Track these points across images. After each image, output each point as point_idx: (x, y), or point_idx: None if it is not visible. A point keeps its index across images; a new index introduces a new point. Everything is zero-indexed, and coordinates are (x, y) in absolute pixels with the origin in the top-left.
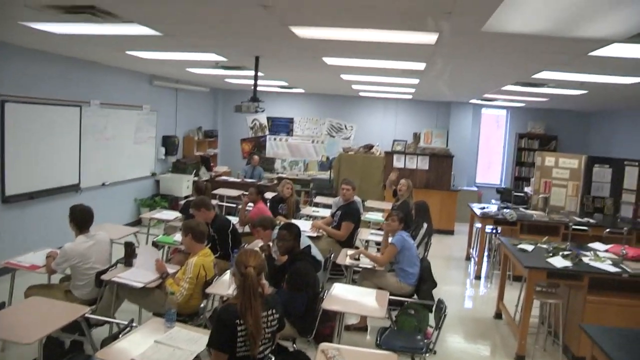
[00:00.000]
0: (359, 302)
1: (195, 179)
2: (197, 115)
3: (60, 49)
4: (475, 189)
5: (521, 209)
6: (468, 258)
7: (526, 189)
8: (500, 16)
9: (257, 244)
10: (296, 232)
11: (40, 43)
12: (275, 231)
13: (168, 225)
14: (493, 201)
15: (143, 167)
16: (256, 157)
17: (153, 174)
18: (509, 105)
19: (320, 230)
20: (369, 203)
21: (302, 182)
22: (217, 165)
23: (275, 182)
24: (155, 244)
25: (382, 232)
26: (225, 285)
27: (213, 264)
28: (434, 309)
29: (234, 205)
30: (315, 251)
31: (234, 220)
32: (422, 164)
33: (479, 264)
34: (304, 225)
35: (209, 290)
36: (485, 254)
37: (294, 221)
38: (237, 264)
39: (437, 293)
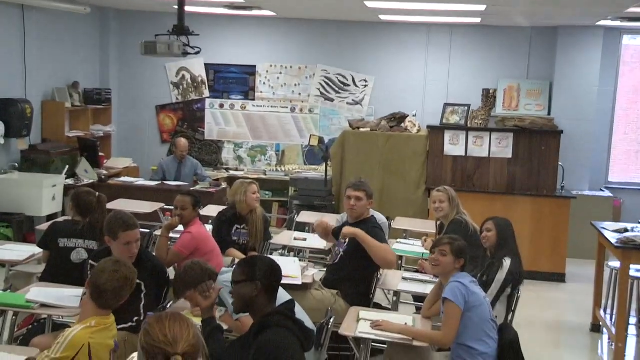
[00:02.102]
0: None
1: (70, 182)
2: (68, 61)
3: None
4: (607, 194)
5: None
6: (596, 328)
7: None
8: None
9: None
10: (266, 268)
11: None
12: (224, 277)
13: (13, 274)
14: None
15: None
16: (183, 141)
17: None
18: None
19: (313, 274)
20: (400, 222)
21: (273, 185)
22: (111, 157)
23: (224, 185)
24: None
25: (426, 277)
26: None
27: (113, 345)
28: None
29: (147, 231)
30: (301, 313)
31: None
32: (501, 148)
33: (620, 338)
34: (283, 265)
35: None
36: (633, 320)
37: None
38: (148, 348)
39: None
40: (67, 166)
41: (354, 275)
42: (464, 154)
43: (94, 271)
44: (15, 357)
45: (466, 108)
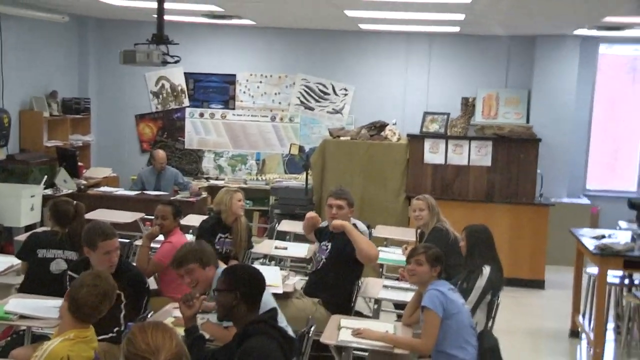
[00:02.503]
0: None
1: (49, 192)
2: (47, 70)
3: None
4: (585, 201)
5: None
6: (575, 333)
7: None
8: None
9: (171, 312)
10: (247, 278)
11: None
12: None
13: None
14: (623, 224)
15: None
16: (161, 152)
17: None
18: None
19: (294, 283)
20: (381, 230)
21: (253, 194)
22: (90, 167)
23: (204, 195)
24: None
25: (407, 285)
26: None
27: (93, 357)
28: None
29: (127, 241)
30: (283, 321)
31: None
32: (480, 156)
33: (598, 344)
34: (267, 274)
35: None
36: (610, 325)
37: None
38: (131, 357)
39: None
40: (46, 176)
41: (335, 283)
42: (443, 162)
43: (73, 285)
44: None
45: (446, 116)
